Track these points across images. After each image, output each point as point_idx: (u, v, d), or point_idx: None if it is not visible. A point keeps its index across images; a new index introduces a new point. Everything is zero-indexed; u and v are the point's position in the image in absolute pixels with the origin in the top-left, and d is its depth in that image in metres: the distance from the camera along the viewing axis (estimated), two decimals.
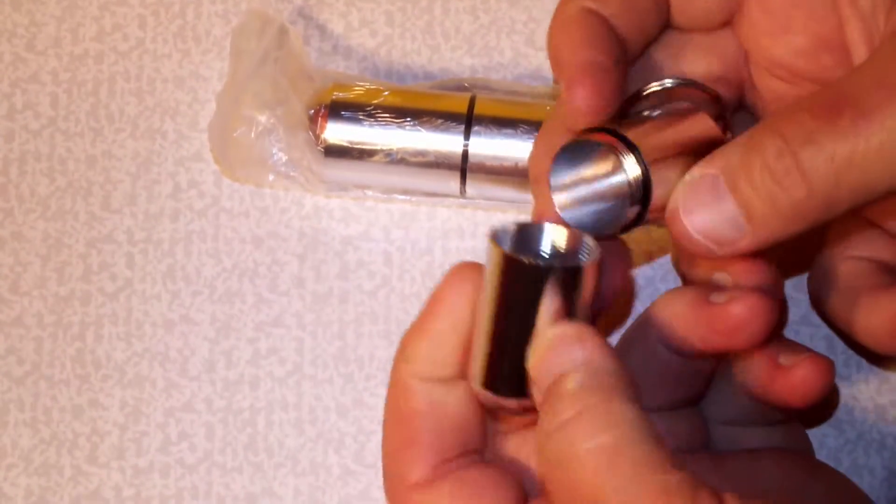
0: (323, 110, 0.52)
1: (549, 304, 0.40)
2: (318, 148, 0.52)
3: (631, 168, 0.41)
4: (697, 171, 0.41)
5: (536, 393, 0.40)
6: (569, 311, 0.40)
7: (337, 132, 0.52)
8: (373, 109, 0.52)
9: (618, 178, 0.42)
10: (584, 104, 0.42)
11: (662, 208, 0.42)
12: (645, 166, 0.41)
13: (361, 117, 0.52)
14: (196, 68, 0.57)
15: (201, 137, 0.56)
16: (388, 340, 0.53)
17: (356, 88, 0.53)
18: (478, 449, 0.44)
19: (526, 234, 0.42)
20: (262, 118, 0.53)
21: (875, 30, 0.41)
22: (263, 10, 0.55)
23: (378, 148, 0.52)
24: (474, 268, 0.42)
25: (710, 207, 0.40)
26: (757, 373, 0.45)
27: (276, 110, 0.53)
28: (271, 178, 0.54)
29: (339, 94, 0.53)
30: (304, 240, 0.55)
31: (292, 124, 0.53)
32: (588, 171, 0.42)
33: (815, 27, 0.44)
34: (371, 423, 0.53)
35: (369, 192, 0.54)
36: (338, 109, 0.52)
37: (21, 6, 0.57)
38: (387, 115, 0.52)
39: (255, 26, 0.53)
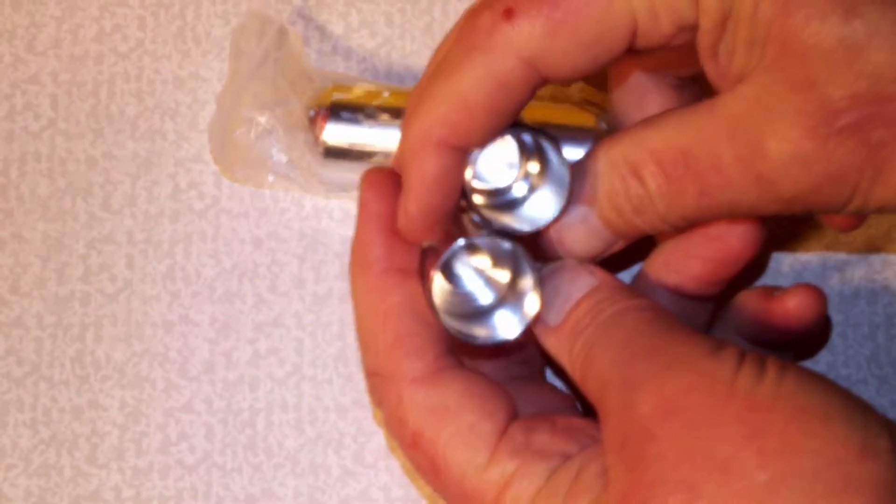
0: (323, 111, 0.52)
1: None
2: (318, 149, 0.52)
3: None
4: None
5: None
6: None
7: (337, 133, 0.52)
8: (372, 111, 0.52)
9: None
10: (413, 228, 0.43)
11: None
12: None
13: (361, 118, 0.52)
14: (196, 69, 0.57)
15: (201, 138, 0.56)
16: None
17: (356, 89, 0.53)
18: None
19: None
20: (262, 119, 0.53)
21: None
22: (263, 11, 0.55)
23: (378, 149, 0.52)
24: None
25: (585, 241, 0.43)
26: (754, 307, 0.47)
27: (275, 111, 0.53)
28: (271, 178, 0.54)
29: (338, 96, 0.53)
30: (303, 240, 0.55)
31: (292, 125, 0.53)
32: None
33: None
34: (371, 423, 0.53)
35: None
36: (337, 110, 0.52)
37: (21, 7, 0.57)
38: (387, 116, 0.52)
39: (254, 27, 0.53)
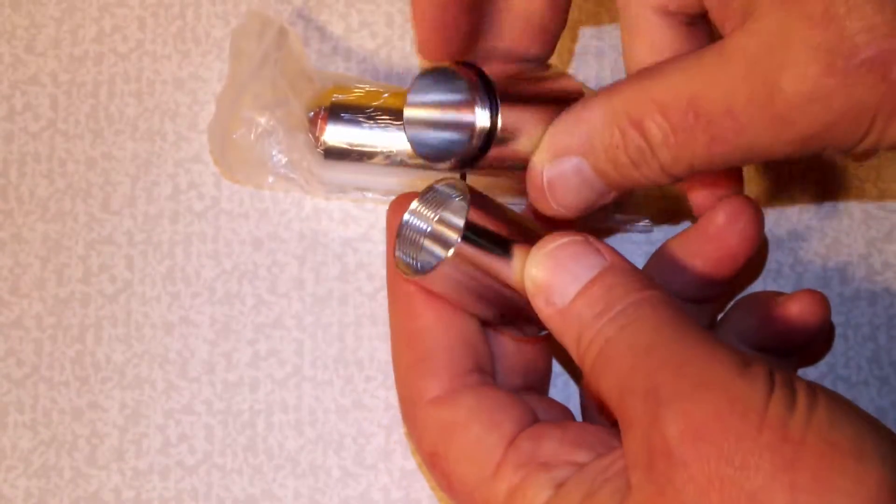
0: (322, 112, 0.52)
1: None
2: (318, 150, 0.52)
3: (481, 112, 0.42)
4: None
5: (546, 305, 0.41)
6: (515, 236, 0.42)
7: (337, 134, 0.52)
8: (373, 111, 0.52)
9: (467, 116, 0.42)
10: (426, 41, 0.43)
11: (519, 155, 0.42)
12: (496, 109, 0.42)
13: (361, 119, 0.52)
14: (196, 70, 0.57)
15: (201, 139, 0.56)
16: (388, 342, 0.53)
17: (356, 90, 0.53)
18: (488, 371, 0.44)
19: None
20: (262, 120, 0.53)
21: None
22: (263, 12, 0.55)
23: (378, 150, 0.52)
24: None
25: (577, 192, 0.42)
26: (757, 312, 0.47)
27: (275, 112, 0.53)
28: (271, 179, 0.54)
29: (338, 96, 0.53)
30: (303, 242, 0.55)
31: (292, 126, 0.52)
32: (444, 98, 0.43)
33: None
34: (371, 424, 0.53)
35: (369, 194, 0.54)
36: (337, 111, 0.52)
37: (21, 8, 0.57)
38: (386, 116, 0.52)
39: (254, 28, 0.53)
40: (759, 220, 0.46)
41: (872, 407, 0.52)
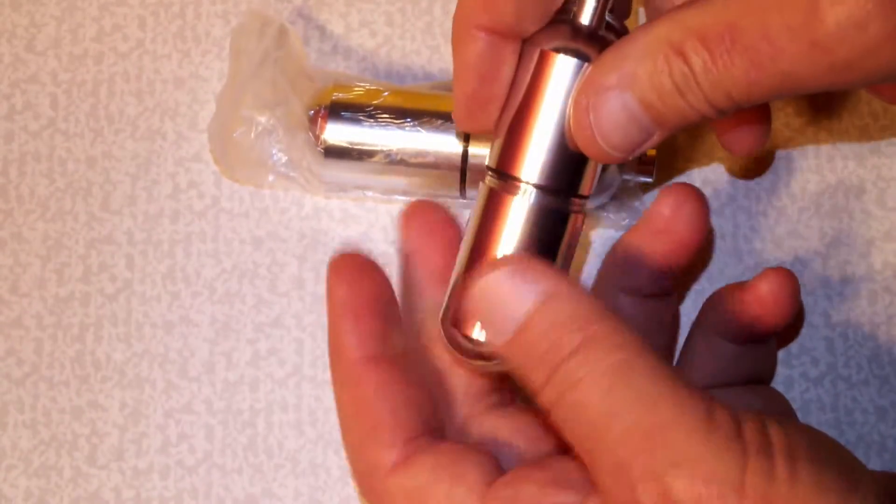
0: (323, 111, 0.52)
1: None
2: (318, 149, 0.52)
3: None
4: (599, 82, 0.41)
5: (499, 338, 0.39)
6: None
7: (337, 133, 0.52)
8: (373, 110, 0.52)
9: None
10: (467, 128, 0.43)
11: None
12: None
13: (361, 118, 0.52)
14: (196, 69, 0.57)
15: (201, 138, 0.56)
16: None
17: (356, 89, 0.53)
18: (438, 428, 0.43)
19: None
20: (262, 119, 0.53)
21: None
22: (263, 11, 0.55)
23: (378, 149, 0.52)
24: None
25: (624, 130, 0.41)
26: (728, 302, 0.47)
27: (275, 111, 0.53)
28: (271, 178, 0.54)
29: (338, 95, 0.53)
30: (303, 241, 0.55)
31: (292, 125, 0.52)
32: None
33: None
34: None
35: (369, 193, 0.54)
36: (337, 110, 0.52)
37: (21, 7, 0.57)
38: (387, 115, 0.52)
39: (254, 27, 0.53)
40: (704, 206, 0.46)
41: (872, 407, 0.52)
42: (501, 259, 0.41)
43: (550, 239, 0.42)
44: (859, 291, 0.53)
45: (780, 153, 0.55)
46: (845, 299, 0.53)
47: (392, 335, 0.42)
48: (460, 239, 0.44)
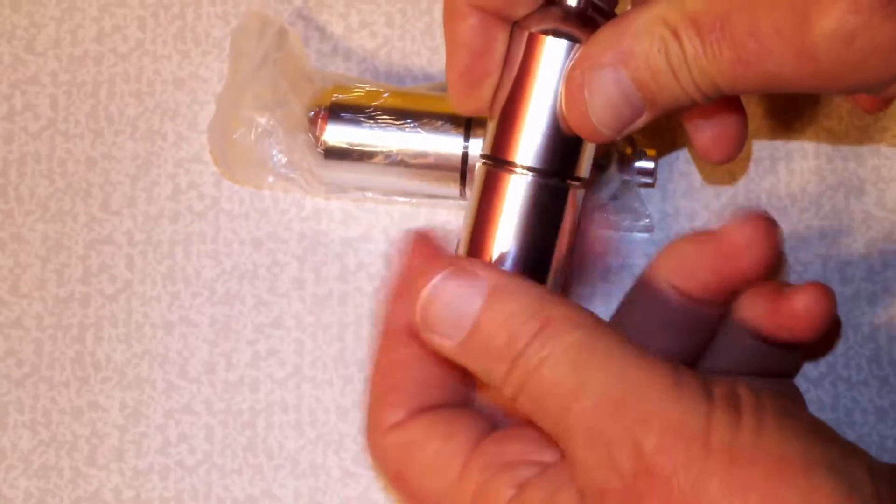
0: (323, 112, 0.52)
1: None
2: (318, 150, 0.52)
3: None
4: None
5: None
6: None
7: (337, 134, 0.52)
8: (372, 111, 0.52)
9: None
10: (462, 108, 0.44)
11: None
12: None
13: (361, 119, 0.52)
14: (196, 70, 0.57)
15: (201, 139, 0.56)
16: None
17: (356, 90, 0.53)
18: (458, 404, 0.44)
19: None
20: (262, 120, 0.53)
21: None
22: (263, 12, 0.55)
23: (378, 149, 0.52)
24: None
25: (615, 107, 0.41)
26: (761, 305, 0.46)
27: (275, 112, 0.53)
28: (271, 179, 0.54)
29: (338, 96, 0.53)
30: (303, 241, 0.55)
31: (292, 126, 0.52)
32: None
33: None
34: None
35: (369, 194, 0.54)
36: (337, 111, 0.52)
37: (20, 7, 0.57)
38: (386, 116, 0.52)
39: (254, 28, 0.53)
40: (775, 240, 0.45)
41: (872, 406, 0.52)
42: (438, 261, 0.41)
43: (549, 224, 0.42)
44: (859, 291, 0.53)
45: (779, 154, 0.55)
46: (846, 300, 0.53)
47: None
48: None
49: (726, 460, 0.36)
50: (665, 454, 0.36)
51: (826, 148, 0.55)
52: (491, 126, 0.43)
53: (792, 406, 0.38)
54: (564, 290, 0.45)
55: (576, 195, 0.43)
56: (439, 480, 0.42)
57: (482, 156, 0.43)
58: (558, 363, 0.38)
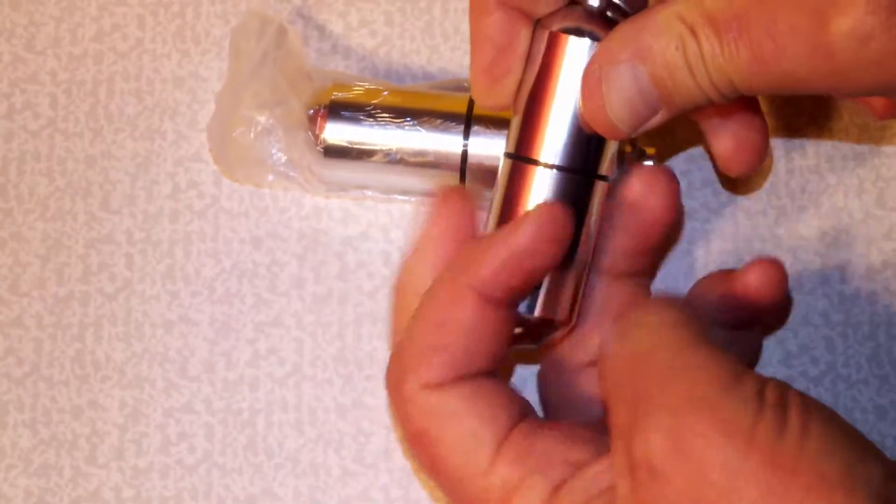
0: (322, 110, 0.52)
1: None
2: (318, 148, 0.52)
3: None
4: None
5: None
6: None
7: (336, 132, 0.52)
8: (372, 109, 0.52)
9: None
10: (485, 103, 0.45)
11: None
12: None
13: (361, 117, 0.52)
14: (195, 68, 0.57)
15: (200, 137, 0.56)
16: (388, 341, 0.53)
17: (355, 88, 0.53)
18: (498, 377, 0.44)
19: None
20: (262, 118, 0.53)
21: None
22: (262, 11, 0.55)
23: (377, 148, 0.52)
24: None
25: (632, 104, 0.41)
26: (715, 290, 0.47)
27: (275, 110, 0.53)
28: (271, 178, 0.54)
29: (338, 94, 0.53)
30: (303, 240, 0.55)
31: (291, 124, 0.52)
32: None
33: None
34: (371, 423, 0.53)
35: (369, 193, 0.54)
36: (337, 109, 0.52)
37: (20, 6, 0.57)
38: (386, 115, 0.52)
39: (254, 26, 0.53)
40: (675, 187, 0.46)
41: (872, 406, 0.52)
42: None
43: (574, 220, 0.43)
44: (859, 291, 0.53)
45: (779, 153, 0.55)
46: (845, 299, 0.53)
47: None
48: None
49: (767, 463, 0.35)
50: (702, 440, 0.36)
51: (826, 147, 0.55)
52: (514, 123, 0.44)
53: (837, 414, 0.38)
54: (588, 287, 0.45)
55: (599, 192, 0.43)
56: (468, 461, 0.41)
57: (507, 154, 0.44)
58: (640, 336, 0.39)
